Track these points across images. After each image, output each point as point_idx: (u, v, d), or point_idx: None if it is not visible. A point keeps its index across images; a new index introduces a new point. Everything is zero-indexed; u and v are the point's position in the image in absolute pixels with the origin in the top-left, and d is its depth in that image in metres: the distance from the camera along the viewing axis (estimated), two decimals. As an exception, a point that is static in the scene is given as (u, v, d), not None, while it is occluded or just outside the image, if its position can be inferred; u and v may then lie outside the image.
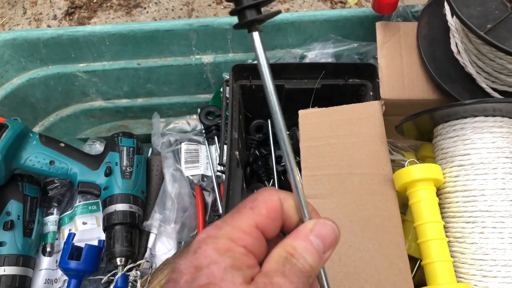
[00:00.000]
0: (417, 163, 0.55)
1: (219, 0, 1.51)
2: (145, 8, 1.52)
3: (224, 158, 0.65)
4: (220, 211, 0.72)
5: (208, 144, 0.81)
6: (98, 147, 0.84)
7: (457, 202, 0.52)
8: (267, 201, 0.27)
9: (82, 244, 0.68)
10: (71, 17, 1.52)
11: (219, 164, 0.66)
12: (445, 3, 0.61)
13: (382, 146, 0.58)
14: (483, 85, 0.58)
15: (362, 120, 0.60)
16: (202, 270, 0.23)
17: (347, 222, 0.53)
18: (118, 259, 0.67)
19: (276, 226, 0.27)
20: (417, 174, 0.52)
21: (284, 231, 0.29)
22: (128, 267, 0.67)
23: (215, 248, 0.24)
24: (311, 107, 0.63)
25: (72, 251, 0.67)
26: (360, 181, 0.56)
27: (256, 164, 0.78)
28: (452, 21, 0.60)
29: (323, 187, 0.56)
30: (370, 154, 0.57)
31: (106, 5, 1.53)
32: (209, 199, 0.76)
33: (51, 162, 0.71)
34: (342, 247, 0.51)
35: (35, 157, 0.70)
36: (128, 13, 1.52)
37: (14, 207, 0.69)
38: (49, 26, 1.50)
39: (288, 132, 0.77)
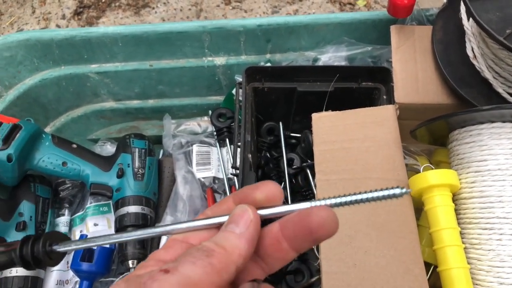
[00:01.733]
0: (432, 169, 0.54)
1: (228, 0, 1.51)
2: (153, 8, 1.52)
3: (238, 161, 0.65)
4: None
5: (220, 146, 0.81)
6: (109, 148, 0.84)
7: (473, 208, 0.52)
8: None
9: (94, 246, 0.68)
10: (79, 17, 1.52)
11: (232, 167, 0.66)
12: (461, 7, 0.61)
13: (397, 151, 0.57)
14: (500, 90, 0.58)
15: (376, 124, 0.59)
16: None
17: (363, 228, 0.53)
18: (130, 261, 0.67)
19: (201, 233, 0.29)
20: (433, 179, 0.52)
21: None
22: (140, 269, 0.67)
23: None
24: (324, 110, 0.63)
25: (84, 253, 0.67)
26: (375, 186, 0.55)
27: (267, 167, 0.78)
28: (468, 25, 0.60)
29: (337, 192, 0.56)
30: (385, 159, 0.57)
31: (115, 4, 1.54)
32: (220, 202, 0.76)
33: (64, 163, 0.71)
34: (358, 253, 0.51)
35: (48, 158, 0.70)
36: (136, 13, 1.52)
37: (26, 208, 0.69)
38: (57, 25, 1.50)
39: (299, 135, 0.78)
